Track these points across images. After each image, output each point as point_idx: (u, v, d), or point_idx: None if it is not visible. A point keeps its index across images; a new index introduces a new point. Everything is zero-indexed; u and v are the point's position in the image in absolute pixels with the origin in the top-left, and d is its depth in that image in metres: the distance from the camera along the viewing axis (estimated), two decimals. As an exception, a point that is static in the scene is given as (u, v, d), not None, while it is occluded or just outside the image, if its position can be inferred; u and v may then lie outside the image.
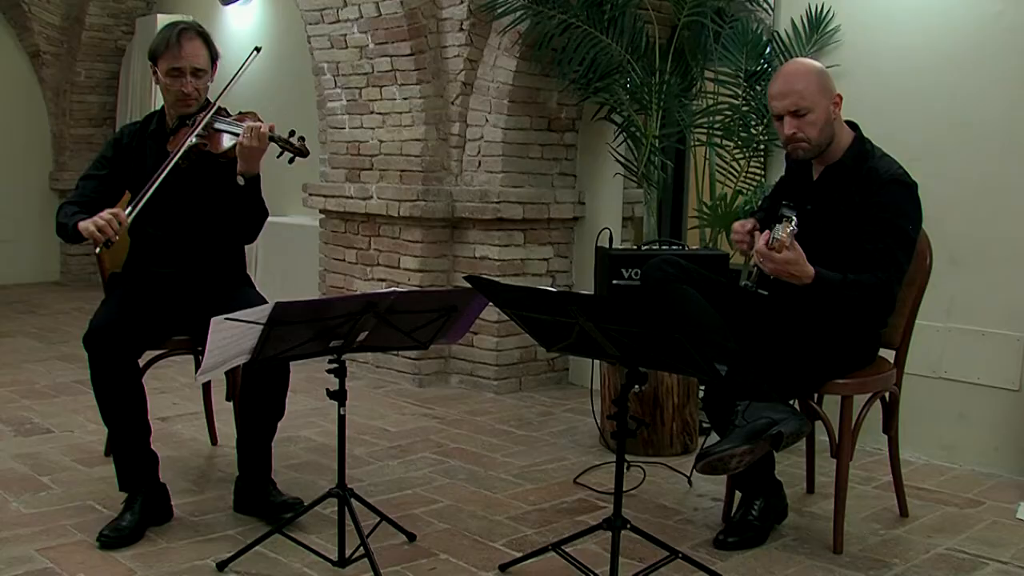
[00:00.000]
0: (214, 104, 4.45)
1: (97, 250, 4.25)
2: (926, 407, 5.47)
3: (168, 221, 4.49)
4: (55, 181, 11.82)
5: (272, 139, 4.31)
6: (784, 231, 3.85)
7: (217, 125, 4.40)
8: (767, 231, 3.92)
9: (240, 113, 4.50)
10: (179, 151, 4.31)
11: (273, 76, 9.29)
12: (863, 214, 4.03)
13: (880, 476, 5.14)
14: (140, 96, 11.03)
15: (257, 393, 4.36)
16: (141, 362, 4.54)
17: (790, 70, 4.20)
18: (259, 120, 4.39)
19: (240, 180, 4.35)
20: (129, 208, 4.24)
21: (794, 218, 3.90)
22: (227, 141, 4.36)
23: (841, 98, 4.16)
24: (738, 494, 4.45)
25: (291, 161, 4.42)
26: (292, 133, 4.35)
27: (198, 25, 4.54)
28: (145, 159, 4.50)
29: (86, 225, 4.17)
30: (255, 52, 4.57)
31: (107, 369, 4.17)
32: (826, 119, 4.10)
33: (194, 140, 4.32)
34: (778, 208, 4.05)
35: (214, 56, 4.53)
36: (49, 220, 11.78)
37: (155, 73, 4.51)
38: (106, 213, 4.17)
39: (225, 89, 4.49)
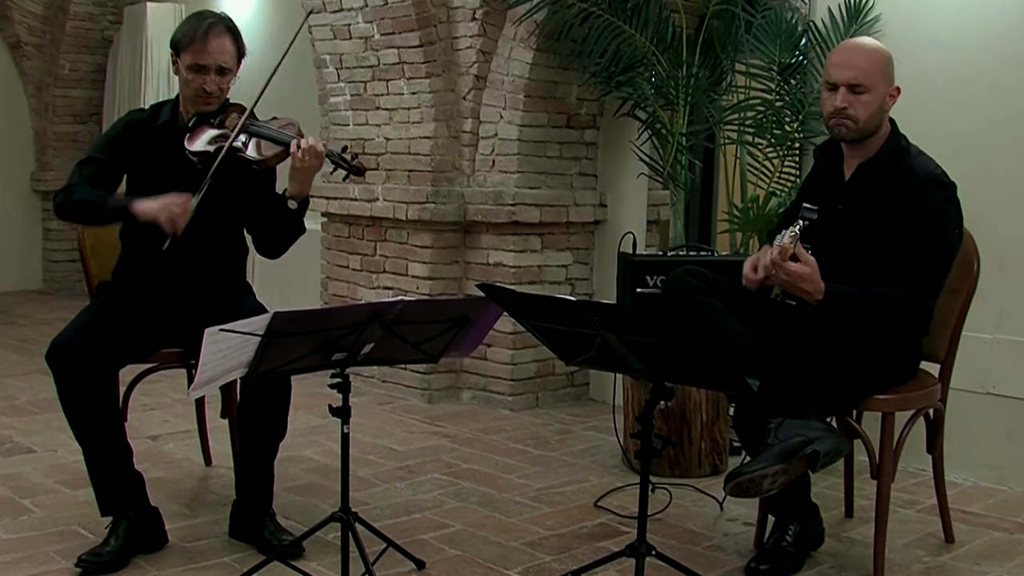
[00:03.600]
0: (250, 110, 4.48)
1: (165, 246, 4.27)
2: (973, 425, 5.47)
3: None
4: (37, 182, 11.86)
5: (327, 155, 4.37)
6: (788, 236, 3.85)
7: (256, 130, 4.43)
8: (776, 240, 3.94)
9: (275, 118, 4.53)
10: (227, 145, 4.34)
11: (271, 69, 9.31)
12: (897, 217, 4.04)
13: (924, 499, 5.15)
14: (129, 91, 11.05)
15: (256, 410, 4.37)
16: (128, 376, 4.57)
17: (859, 43, 4.24)
18: (300, 131, 4.43)
19: (292, 204, 4.43)
20: (194, 200, 4.28)
21: (800, 223, 3.91)
22: (268, 150, 4.40)
23: (899, 91, 4.17)
24: (771, 518, 4.46)
25: (345, 179, 4.50)
26: (345, 149, 4.44)
27: (228, 19, 4.55)
28: (157, 151, 4.51)
29: (154, 212, 4.24)
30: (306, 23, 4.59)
31: (72, 388, 4.18)
32: (879, 106, 4.11)
33: (238, 144, 4.36)
34: (800, 210, 4.06)
35: (241, 53, 4.56)
36: (32, 223, 12.02)
37: (175, 63, 4.53)
38: (174, 204, 4.24)
39: (261, 93, 4.50)
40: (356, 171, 4.44)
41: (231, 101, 4.59)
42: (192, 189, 4.35)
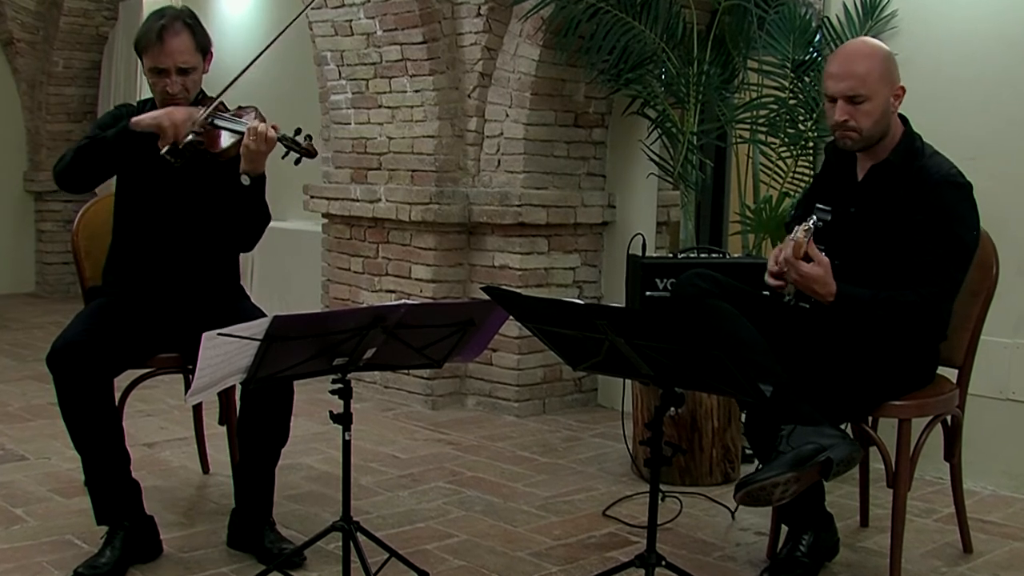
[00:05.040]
0: (215, 100, 4.48)
1: (163, 151, 4.27)
2: (992, 431, 5.47)
3: (157, 225, 4.53)
4: (30, 182, 11.86)
5: (278, 139, 4.36)
6: (801, 231, 3.86)
7: (216, 122, 4.43)
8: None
9: (239, 108, 4.54)
10: (186, 137, 4.33)
11: (270, 66, 9.29)
12: (911, 220, 4.04)
13: (941, 508, 5.15)
14: (124, 88, 11.08)
15: (258, 415, 4.37)
16: (124, 382, 4.56)
17: (853, 49, 4.19)
18: (261, 116, 4.42)
19: (245, 180, 4.38)
20: (203, 113, 4.30)
21: (814, 217, 3.91)
22: (227, 140, 4.40)
23: (904, 90, 4.14)
24: (784, 528, 4.46)
25: (297, 162, 4.49)
26: (298, 132, 4.41)
27: (187, 14, 4.53)
28: (138, 151, 4.52)
29: (153, 118, 4.27)
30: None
31: (74, 392, 4.18)
32: (883, 111, 4.09)
33: (190, 137, 4.36)
34: (812, 210, 4.06)
35: (205, 48, 4.53)
36: (25, 225, 12.00)
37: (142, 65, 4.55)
38: (175, 110, 4.28)
39: (229, 85, 4.51)
40: (308, 154, 4.42)
41: (207, 95, 4.59)
42: (174, 189, 4.40)
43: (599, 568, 4.22)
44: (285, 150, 4.41)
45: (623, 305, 5.91)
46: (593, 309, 3.47)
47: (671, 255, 5.89)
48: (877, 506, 4.99)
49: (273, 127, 4.33)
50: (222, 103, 4.52)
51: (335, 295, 7.81)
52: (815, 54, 6.14)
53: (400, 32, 7.03)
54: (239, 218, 4.55)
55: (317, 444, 6.10)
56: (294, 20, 4.67)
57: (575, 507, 5.19)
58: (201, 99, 4.55)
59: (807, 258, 3.88)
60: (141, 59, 4.50)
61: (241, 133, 4.36)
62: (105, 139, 4.34)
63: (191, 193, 4.52)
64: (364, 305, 6.76)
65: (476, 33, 6.93)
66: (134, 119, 4.30)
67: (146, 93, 4.73)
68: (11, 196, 11.92)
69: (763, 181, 6.34)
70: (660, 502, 3.90)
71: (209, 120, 4.41)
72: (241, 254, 4.85)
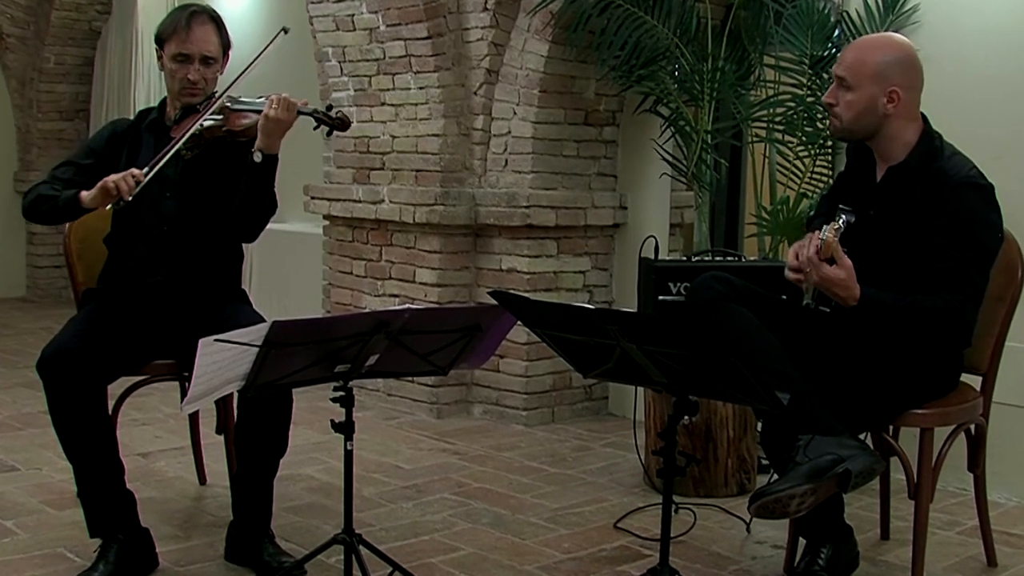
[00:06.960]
0: (228, 87, 4.56)
1: (108, 207, 4.30)
2: (1017, 441, 5.45)
3: (161, 221, 4.55)
4: (20, 183, 11.81)
5: (304, 112, 4.46)
6: (830, 230, 3.86)
7: (234, 106, 4.54)
8: (815, 232, 3.94)
9: (260, 97, 4.60)
10: (193, 127, 4.40)
11: (270, 63, 9.30)
12: (931, 224, 4.03)
13: (965, 520, 5.14)
14: (118, 85, 11.06)
15: (256, 425, 4.37)
16: (118, 389, 4.57)
17: (868, 38, 4.34)
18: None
19: (257, 156, 4.44)
20: (147, 168, 4.31)
21: (843, 216, 3.92)
22: (246, 119, 4.51)
23: (899, 96, 4.07)
24: (802, 541, 4.45)
25: (328, 135, 4.62)
26: (330, 108, 4.54)
27: (212, 9, 4.71)
28: (144, 149, 4.58)
29: (95, 190, 4.27)
30: (282, 32, 4.68)
31: (65, 400, 4.19)
32: (866, 107, 4.09)
33: (209, 123, 4.43)
34: (835, 211, 4.07)
35: (226, 44, 4.71)
36: (15, 227, 12.02)
37: (160, 58, 4.67)
38: (114, 175, 4.26)
39: (244, 72, 4.57)
40: (339, 124, 4.53)
41: (218, 93, 4.65)
42: (181, 182, 4.45)
43: (610, 582, 4.23)
44: (316, 123, 4.53)
45: (635, 310, 5.91)
46: (604, 314, 3.48)
47: (685, 258, 5.89)
48: (898, 518, 4.99)
49: (303, 103, 4.46)
50: (230, 91, 4.60)
51: (336, 299, 7.82)
52: (834, 50, 6.12)
53: (404, 27, 7.04)
54: (245, 200, 4.56)
55: (318, 454, 6.11)
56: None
57: (585, 519, 5.19)
58: (212, 97, 4.60)
59: (830, 260, 3.88)
60: (162, 49, 4.63)
61: (260, 111, 4.42)
62: (56, 203, 4.42)
63: (201, 185, 4.57)
64: (367, 310, 6.77)
65: (482, 28, 6.94)
66: (83, 194, 4.34)
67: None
68: (1, 197, 11.92)
69: (780, 181, 6.34)
70: (673, 514, 3.91)
71: (227, 106, 4.53)
72: (241, 260, 4.87)
